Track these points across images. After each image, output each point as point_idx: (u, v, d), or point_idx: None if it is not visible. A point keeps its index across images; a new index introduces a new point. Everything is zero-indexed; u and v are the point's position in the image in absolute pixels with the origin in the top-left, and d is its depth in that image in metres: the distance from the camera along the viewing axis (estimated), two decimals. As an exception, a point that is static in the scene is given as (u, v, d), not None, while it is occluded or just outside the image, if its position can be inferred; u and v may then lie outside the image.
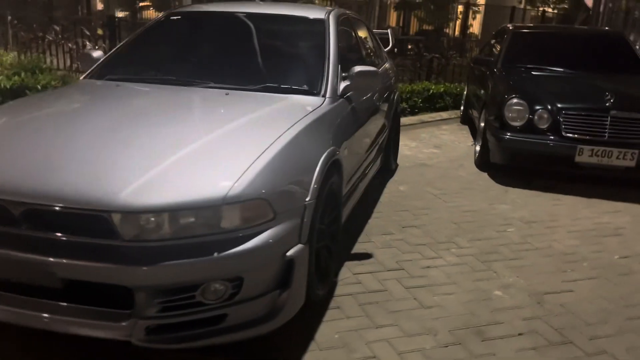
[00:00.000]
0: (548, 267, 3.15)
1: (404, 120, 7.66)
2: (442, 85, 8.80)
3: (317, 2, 23.84)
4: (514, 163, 4.80)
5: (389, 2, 25.86)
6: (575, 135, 4.44)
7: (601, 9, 10.49)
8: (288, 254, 2.02)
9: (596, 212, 4.14)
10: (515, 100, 4.65)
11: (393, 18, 27.37)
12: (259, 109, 2.50)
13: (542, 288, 2.89)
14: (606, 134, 4.38)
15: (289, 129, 2.28)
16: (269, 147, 2.10)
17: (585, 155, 4.39)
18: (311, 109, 2.59)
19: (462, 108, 7.97)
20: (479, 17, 26.66)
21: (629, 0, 10.62)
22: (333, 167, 2.51)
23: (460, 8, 25.66)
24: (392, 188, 4.47)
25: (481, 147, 5.17)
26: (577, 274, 3.09)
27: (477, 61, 6.30)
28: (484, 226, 3.74)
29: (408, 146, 6.14)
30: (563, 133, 4.46)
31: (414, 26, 24.12)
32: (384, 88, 4.42)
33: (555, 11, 28.60)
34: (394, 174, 4.86)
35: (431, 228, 3.64)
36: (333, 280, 2.77)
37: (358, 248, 3.24)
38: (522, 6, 25.61)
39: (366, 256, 3.12)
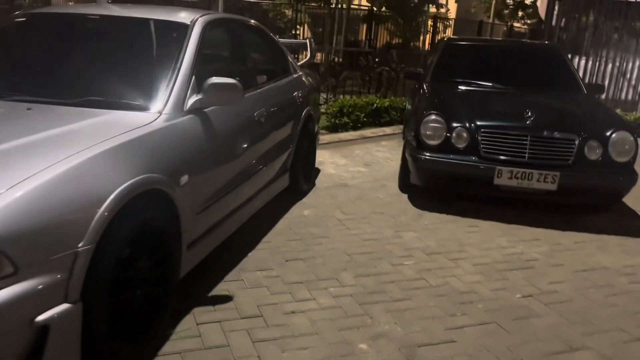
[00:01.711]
0: (436, 310, 2.75)
1: (343, 135, 7.33)
2: (387, 100, 8.47)
3: (288, 12, 23.63)
4: (432, 185, 4.43)
5: (361, 14, 25.72)
6: (495, 156, 4.09)
7: (553, 21, 10.32)
8: (38, 319, 1.57)
9: (512, 240, 3.78)
10: (432, 117, 4.29)
11: (363, 30, 27.29)
12: (57, 127, 2.05)
13: (419, 338, 2.48)
14: (526, 155, 4.03)
15: (73, 154, 1.84)
16: (27, 178, 1.66)
17: (505, 178, 4.02)
18: (130, 128, 2.16)
19: (404, 124, 7.63)
20: (449, 30, 26.73)
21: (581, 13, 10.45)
22: (149, 199, 2.07)
23: (430, 22, 25.71)
24: (296, 213, 4.05)
25: (401, 167, 4.79)
26: (467, 318, 2.69)
27: (408, 75, 5.95)
28: (380, 258, 3.33)
29: (336, 164, 5.75)
30: (482, 153, 4.10)
31: (382, 39, 24.00)
32: (286, 102, 4.02)
33: (526, 26, 28.89)
34: (305, 196, 4.45)
35: (319, 261, 3.22)
36: (167, 333, 2.33)
37: (220, 289, 2.80)
38: (489, 20, 25.74)
39: (224, 299, 2.68)
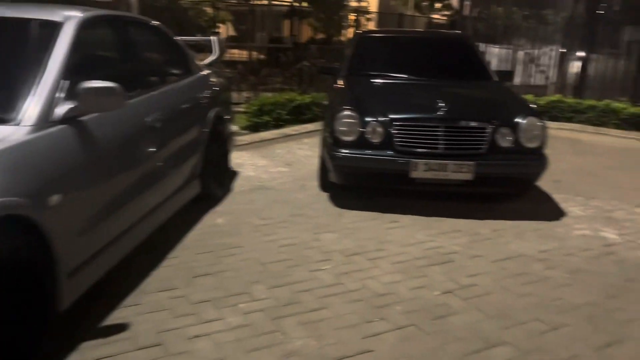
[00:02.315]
0: (352, 317, 2.60)
1: (264, 134, 7.10)
2: (308, 96, 8.32)
3: (208, 10, 22.97)
4: (350, 182, 4.30)
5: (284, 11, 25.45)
6: (410, 149, 4.01)
7: (468, 12, 10.56)
8: None
9: (432, 234, 3.71)
10: (346, 113, 4.15)
11: (287, 27, 27.07)
12: None
13: (334, 352, 2.32)
14: (440, 146, 3.98)
15: None
16: None
17: (421, 170, 3.96)
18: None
19: (324, 113, 7.52)
20: (370, 24, 27.04)
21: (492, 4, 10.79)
22: (5, 227, 1.77)
23: (352, 16, 25.87)
24: (208, 222, 3.79)
25: (320, 165, 4.64)
26: (385, 323, 2.56)
27: (323, 70, 5.80)
28: (296, 265, 3.15)
29: (255, 165, 5.52)
30: (397, 147, 4.02)
31: (305, 35, 23.89)
32: (188, 104, 3.75)
33: (445, 18, 29.74)
34: (219, 203, 4.19)
35: (230, 275, 3.00)
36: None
37: (115, 317, 2.52)
38: (409, 13, 26.26)
39: (118, 329, 2.40)
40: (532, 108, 4.31)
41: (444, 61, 5.34)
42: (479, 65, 5.28)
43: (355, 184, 4.32)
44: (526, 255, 3.40)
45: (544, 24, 10.92)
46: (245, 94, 9.38)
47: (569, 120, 8.42)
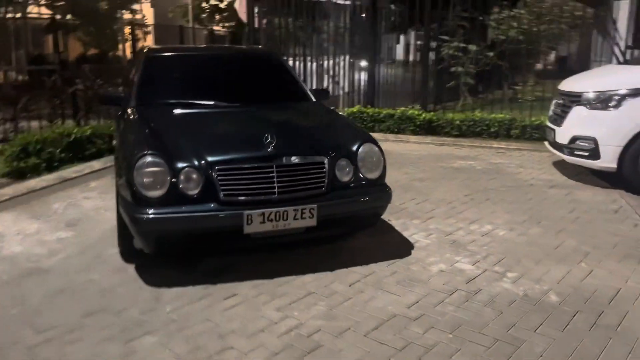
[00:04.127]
0: None
1: (34, 182, 5.54)
2: (88, 127, 6.86)
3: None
4: (165, 251, 3.30)
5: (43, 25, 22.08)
6: (239, 198, 3.17)
7: (255, 24, 10.07)
8: None
9: (283, 305, 2.93)
10: (149, 159, 3.13)
11: (50, 43, 23.67)
12: None
13: None
14: (276, 191, 3.22)
15: None
16: None
17: (256, 223, 3.15)
18: None
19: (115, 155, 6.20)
20: (149, 37, 25.27)
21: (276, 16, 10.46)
22: None
23: (127, 29, 23.81)
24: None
25: (119, 226, 3.51)
26: None
27: (105, 99, 4.57)
28: (105, 413, 2.08)
29: (23, 234, 4.07)
30: (222, 197, 3.14)
31: (75, 51, 21.14)
32: None
33: (225, 29, 29.35)
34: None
35: None
36: None
37: None
38: (190, 25, 25.25)
39: None
40: (365, 133, 3.83)
41: (254, 82, 4.61)
42: (293, 85, 4.67)
43: (171, 251, 3.32)
44: (397, 315, 2.84)
45: (325, 34, 11.01)
46: None
47: (371, 129, 8.48)
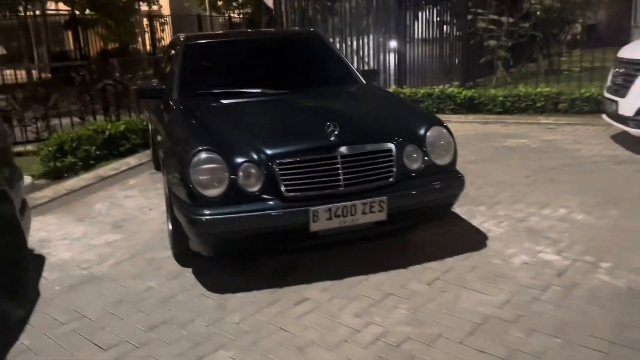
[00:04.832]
0: None
1: (72, 182, 5.37)
2: (122, 123, 6.66)
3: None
4: (225, 253, 3.07)
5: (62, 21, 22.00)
6: (303, 193, 2.90)
7: (283, 8, 9.72)
8: None
9: (362, 309, 2.67)
10: (204, 156, 2.87)
11: (70, 39, 23.62)
12: None
13: None
14: (341, 183, 2.94)
15: None
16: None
17: (323, 220, 2.87)
18: None
19: (151, 149, 6.00)
20: (167, 28, 25.07)
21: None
22: None
23: (145, 21, 23.63)
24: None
25: (173, 229, 3.28)
26: None
27: (144, 93, 4.30)
28: None
29: (69, 238, 3.89)
30: (285, 193, 2.88)
31: (95, 46, 21.04)
32: None
33: (241, 16, 28.97)
34: (21, 332, 2.60)
35: None
36: None
37: None
38: (207, 13, 24.98)
39: None
40: (431, 115, 3.51)
41: (300, 66, 4.31)
42: (341, 67, 4.36)
43: (232, 252, 3.09)
44: (491, 317, 2.55)
45: (351, 13, 10.59)
46: (31, 129, 7.27)
47: (409, 111, 8.12)
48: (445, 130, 3.29)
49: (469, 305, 2.66)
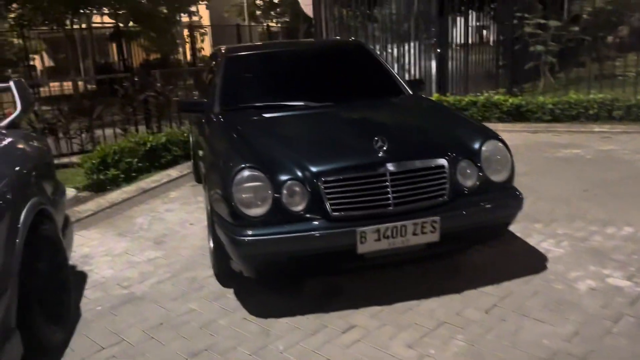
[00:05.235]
0: None
1: (115, 195, 5.38)
2: (163, 134, 6.68)
3: (16, 40, 19.63)
4: (268, 275, 2.94)
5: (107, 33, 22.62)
6: (350, 213, 2.75)
7: (322, 16, 9.64)
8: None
9: (415, 339, 2.48)
10: (247, 174, 2.76)
11: (114, 51, 24.28)
12: None
13: None
14: (391, 202, 2.77)
15: None
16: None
17: (371, 241, 2.71)
18: None
19: (192, 161, 5.97)
20: (206, 38, 25.47)
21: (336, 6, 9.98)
22: None
23: (185, 32, 24.08)
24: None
25: (214, 247, 3.17)
26: None
27: (186, 107, 4.25)
28: None
29: (111, 254, 3.85)
30: (331, 213, 2.73)
31: (138, 57, 21.54)
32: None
33: (279, 25, 29.18)
34: (62, 356, 2.54)
35: None
36: None
37: None
38: (246, 23, 25.25)
39: None
40: (486, 128, 3.30)
41: (344, 77, 4.17)
42: (387, 77, 4.19)
43: (274, 274, 2.96)
44: (559, 351, 2.32)
45: (391, 21, 10.40)
46: (76, 141, 7.39)
47: (453, 120, 7.86)
48: (501, 144, 3.08)
49: (533, 337, 2.44)
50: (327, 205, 2.72)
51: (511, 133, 7.11)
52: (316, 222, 2.72)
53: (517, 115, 7.75)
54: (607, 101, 7.26)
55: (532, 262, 3.21)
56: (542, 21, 9.62)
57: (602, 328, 2.47)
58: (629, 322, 2.50)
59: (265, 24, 27.84)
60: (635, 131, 6.58)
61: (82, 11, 17.23)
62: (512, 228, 3.69)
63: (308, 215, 2.73)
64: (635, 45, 10.66)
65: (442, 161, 2.89)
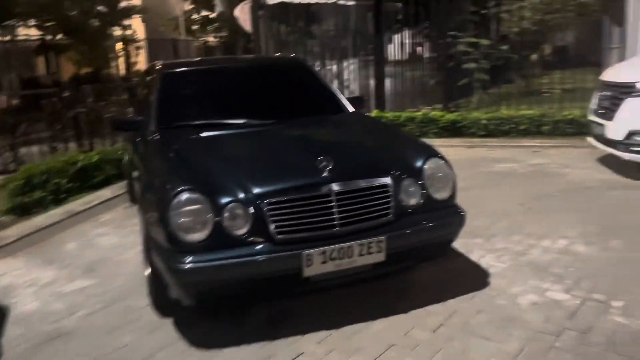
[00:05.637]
0: None
1: (41, 219, 5.05)
2: (95, 153, 6.34)
3: None
4: (210, 303, 2.79)
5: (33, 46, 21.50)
6: (295, 235, 2.66)
7: (261, 31, 9.57)
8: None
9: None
10: (186, 196, 2.62)
11: (41, 64, 23.11)
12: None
13: None
14: (336, 222, 2.71)
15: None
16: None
17: (317, 264, 2.64)
18: None
19: (126, 180, 5.68)
20: (142, 52, 24.76)
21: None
22: None
23: (119, 45, 23.32)
24: None
25: (151, 274, 2.99)
26: None
27: (120, 125, 4.04)
28: None
29: (37, 284, 3.57)
30: (275, 236, 2.63)
31: (67, 71, 20.64)
32: None
33: (217, 40, 28.84)
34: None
35: None
36: None
37: None
38: (182, 37, 24.78)
39: None
40: (428, 146, 3.32)
41: (285, 94, 4.10)
42: (328, 94, 4.17)
43: (217, 302, 2.82)
44: (505, 368, 2.33)
45: (330, 38, 10.51)
46: (-1, 164, 6.91)
47: (392, 135, 7.99)
48: (442, 162, 3.11)
49: (480, 356, 2.44)
50: (271, 228, 2.62)
51: (448, 148, 7.26)
52: (260, 246, 2.62)
53: (454, 130, 7.97)
54: (536, 117, 7.60)
55: (475, 278, 3.24)
56: (474, 40, 10.02)
57: (545, 343, 2.50)
58: (571, 337, 2.55)
59: (202, 39, 27.46)
60: (563, 145, 6.91)
61: (5, 23, 16.30)
62: (455, 244, 3.73)
63: (251, 239, 2.62)
64: (558, 64, 11.33)
65: (387, 180, 2.87)
